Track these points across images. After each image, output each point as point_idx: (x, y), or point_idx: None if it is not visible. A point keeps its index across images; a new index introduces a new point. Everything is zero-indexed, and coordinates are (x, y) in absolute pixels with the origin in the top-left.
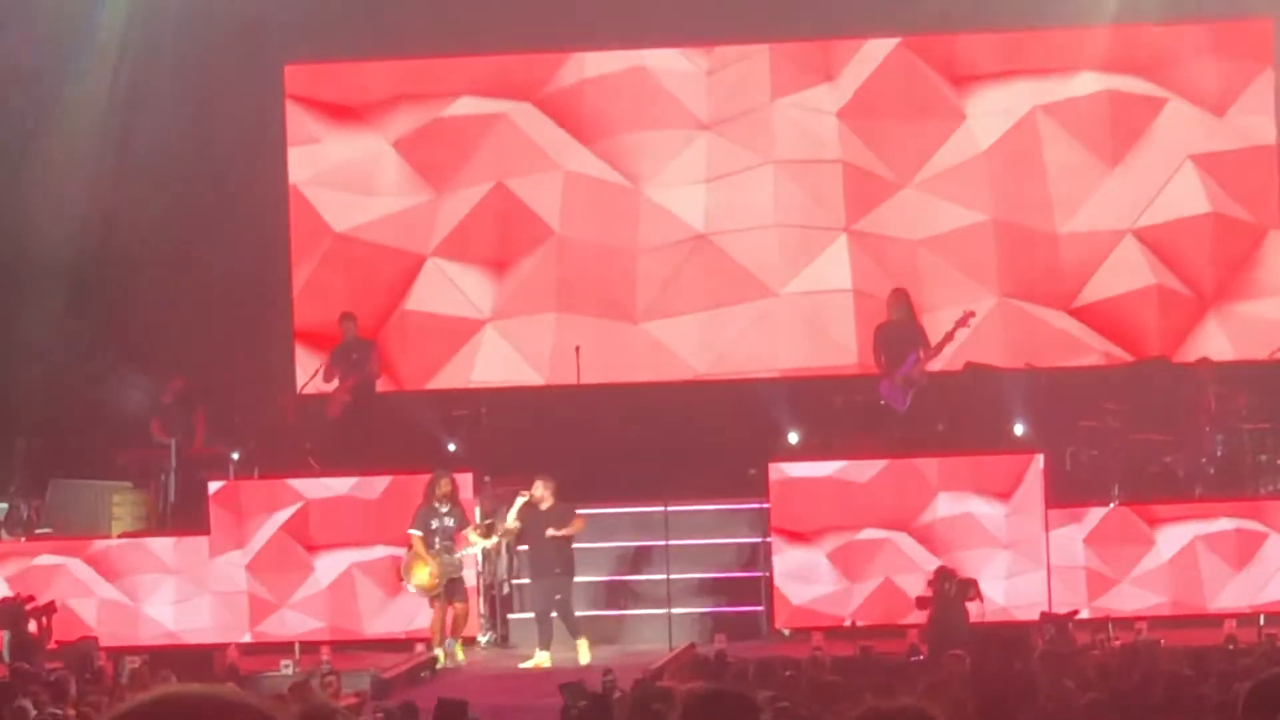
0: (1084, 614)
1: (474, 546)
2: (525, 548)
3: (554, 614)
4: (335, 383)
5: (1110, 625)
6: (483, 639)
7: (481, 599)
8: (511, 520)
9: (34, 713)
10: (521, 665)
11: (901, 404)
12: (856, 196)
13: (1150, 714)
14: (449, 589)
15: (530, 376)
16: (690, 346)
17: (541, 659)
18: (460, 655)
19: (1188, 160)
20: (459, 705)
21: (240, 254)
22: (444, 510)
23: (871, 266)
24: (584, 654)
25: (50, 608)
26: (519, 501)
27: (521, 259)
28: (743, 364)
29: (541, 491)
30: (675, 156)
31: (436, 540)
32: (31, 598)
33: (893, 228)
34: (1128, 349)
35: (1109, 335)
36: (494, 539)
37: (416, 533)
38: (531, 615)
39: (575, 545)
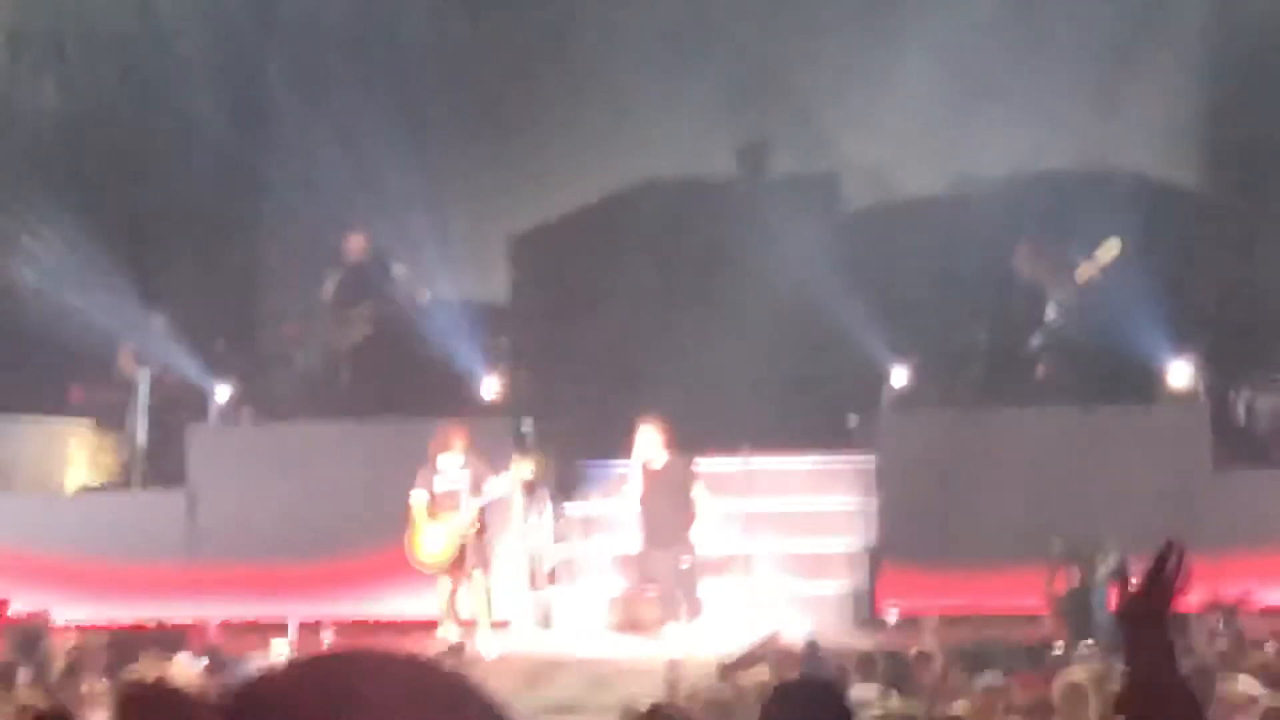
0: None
1: (513, 470)
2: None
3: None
4: (339, 307)
5: None
6: (520, 621)
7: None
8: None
9: None
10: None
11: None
12: None
13: None
14: (459, 558)
15: None
16: None
17: (670, 637)
18: (489, 650)
19: None
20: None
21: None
22: (453, 468)
23: None
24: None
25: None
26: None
27: None
28: None
29: (651, 441)
30: None
31: (444, 504)
32: None
33: None
34: None
35: None
36: (526, 469)
37: (420, 493)
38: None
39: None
